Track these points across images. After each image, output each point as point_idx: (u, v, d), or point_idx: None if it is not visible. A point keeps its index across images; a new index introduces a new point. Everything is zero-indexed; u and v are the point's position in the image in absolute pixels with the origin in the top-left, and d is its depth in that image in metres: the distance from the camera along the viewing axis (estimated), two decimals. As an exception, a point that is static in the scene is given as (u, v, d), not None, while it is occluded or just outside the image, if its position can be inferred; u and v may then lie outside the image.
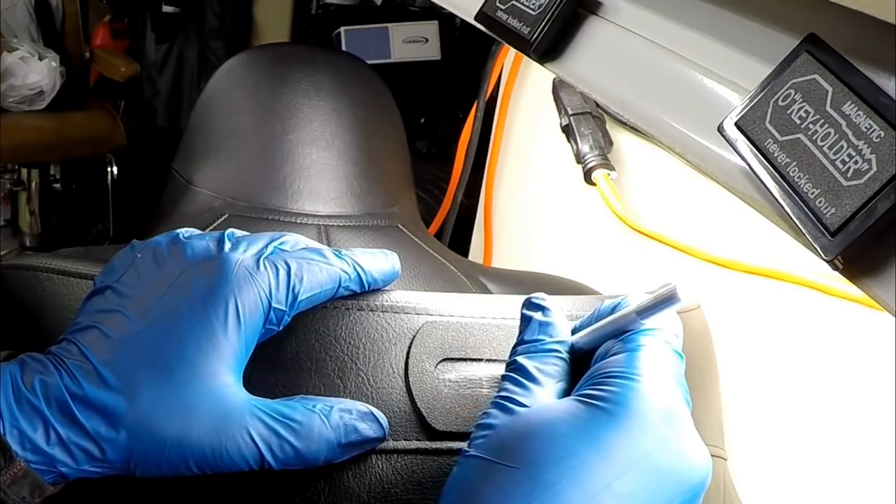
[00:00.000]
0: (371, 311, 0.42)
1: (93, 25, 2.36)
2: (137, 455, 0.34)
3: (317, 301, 0.40)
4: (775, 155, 0.29)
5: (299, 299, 0.38)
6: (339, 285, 0.40)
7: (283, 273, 0.38)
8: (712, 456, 0.45)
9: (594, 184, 0.75)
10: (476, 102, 0.96)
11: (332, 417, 0.37)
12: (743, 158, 0.30)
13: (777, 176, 0.28)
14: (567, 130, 0.79)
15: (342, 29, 1.91)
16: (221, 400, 0.35)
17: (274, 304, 0.37)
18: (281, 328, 0.39)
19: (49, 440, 0.33)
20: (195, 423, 0.34)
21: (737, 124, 0.30)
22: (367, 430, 0.38)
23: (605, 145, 0.76)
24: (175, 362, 0.35)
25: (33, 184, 2.21)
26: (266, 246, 0.40)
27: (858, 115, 0.26)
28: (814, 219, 0.27)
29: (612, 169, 0.75)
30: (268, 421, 0.35)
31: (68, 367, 0.34)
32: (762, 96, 0.30)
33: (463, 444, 0.40)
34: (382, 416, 0.38)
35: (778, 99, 0.29)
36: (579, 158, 0.76)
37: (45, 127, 2.05)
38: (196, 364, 0.35)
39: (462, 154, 0.99)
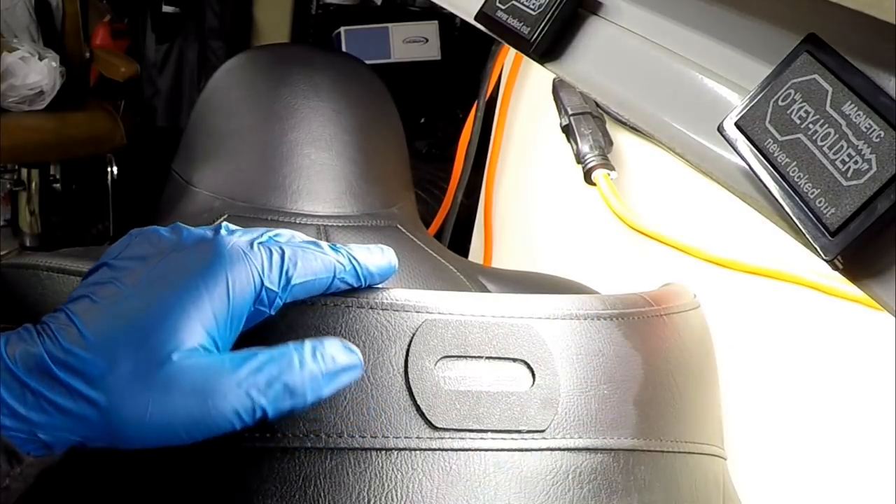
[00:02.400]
0: (370, 308, 0.42)
1: (93, 25, 2.36)
2: (120, 419, 0.34)
3: (311, 289, 0.40)
4: (775, 155, 0.29)
5: (293, 283, 0.38)
6: (335, 276, 0.40)
7: (276, 256, 0.38)
8: (712, 455, 0.46)
9: (594, 184, 0.75)
10: (476, 102, 0.96)
11: (306, 350, 0.37)
12: (743, 158, 0.30)
13: (777, 176, 0.28)
14: (567, 130, 0.79)
15: (342, 29, 1.91)
16: (205, 362, 0.35)
17: (266, 284, 0.37)
18: (273, 312, 0.39)
19: (26, 402, 0.33)
20: (177, 387, 0.34)
21: (737, 124, 0.30)
22: (343, 357, 0.38)
23: (605, 145, 0.76)
24: (158, 326, 0.35)
25: (33, 184, 2.21)
26: (261, 235, 0.40)
27: (858, 115, 0.26)
28: (814, 219, 0.27)
29: (612, 169, 0.75)
30: (252, 365, 0.35)
31: (52, 331, 0.34)
32: (762, 96, 0.30)
33: (463, 442, 0.40)
34: (352, 345, 0.38)
35: (778, 99, 0.29)
36: (579, 158, 0.76)
37: (45, 127, 2.05)
38: (178, 327, 0.35)
39: (462, 154, 0.99)
